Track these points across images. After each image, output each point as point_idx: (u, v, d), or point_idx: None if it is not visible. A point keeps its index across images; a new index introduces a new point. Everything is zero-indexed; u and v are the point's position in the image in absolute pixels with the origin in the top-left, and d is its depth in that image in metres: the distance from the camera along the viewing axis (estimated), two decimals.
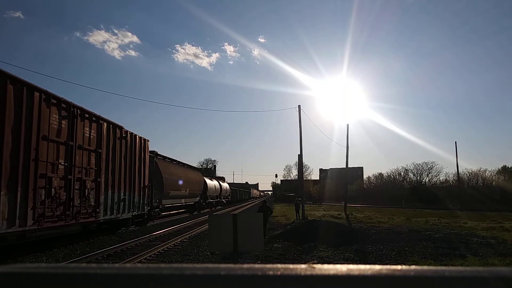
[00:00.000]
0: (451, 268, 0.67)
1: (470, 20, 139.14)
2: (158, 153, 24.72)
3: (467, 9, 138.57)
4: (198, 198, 34.91)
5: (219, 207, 47.81)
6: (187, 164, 33.48)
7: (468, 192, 58.79)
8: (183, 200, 29.62)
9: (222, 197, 49.92)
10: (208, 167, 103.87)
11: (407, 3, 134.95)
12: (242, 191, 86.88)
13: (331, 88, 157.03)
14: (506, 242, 14.48)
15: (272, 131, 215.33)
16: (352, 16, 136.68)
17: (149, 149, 21.69)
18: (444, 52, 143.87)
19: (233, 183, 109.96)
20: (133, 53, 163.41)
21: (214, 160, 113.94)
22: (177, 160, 30.59)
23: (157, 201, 22.73)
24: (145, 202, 19.48)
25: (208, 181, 40.55)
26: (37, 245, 12.76)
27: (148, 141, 20.02)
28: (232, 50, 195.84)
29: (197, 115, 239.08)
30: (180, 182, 27.94)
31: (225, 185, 54.04)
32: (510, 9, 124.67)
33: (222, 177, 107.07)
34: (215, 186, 44.71)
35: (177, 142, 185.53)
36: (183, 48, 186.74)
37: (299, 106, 29.44)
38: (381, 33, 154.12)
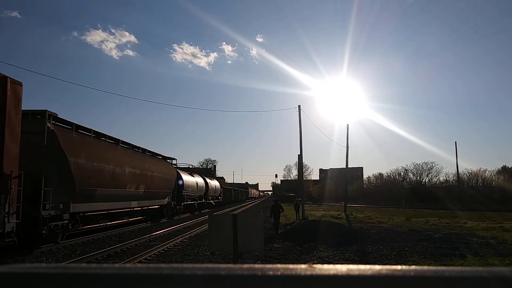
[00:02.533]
0: (451, 268, 0.67)
1: (470, 20, 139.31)
2: (67, 121, 14.26)
3: (467, 9, 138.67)
4: (167, 199, 25.09)
5: (206, 210, 39.80)
6: (142, 149, 21.98)
7: (468, 192, 58.83)
8: (134, 203, 19.27)
9: (209, 198, 41.54)
10: (208, 167, 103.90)
11: (407, 3, 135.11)
12: (237, 190, 78.00)
13: (331, 88, 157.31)
14: (506, 242, 14.48)
15: (272, 131, 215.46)
16: (352, 16, 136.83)
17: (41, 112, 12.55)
18: (444, 52, 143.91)
19: (233, 183, 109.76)
20: (130, 52, 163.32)
21: (214, 160, 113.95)
22: (118, 138, 18.51)
23: (61, 206, 12.92)
24: (8, 211, 9.82)
25: (185, 176, 31.49)
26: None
27: (18, 85, 10.51)
28: (230, 49, 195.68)
29: (197, 115, 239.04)
30: (123, 174, 17.30)
31: (213, 183, 44.78)
32: (510, 9, 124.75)
33: (222, 177, 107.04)
34: (197, 183, 35.07)
35: (177, 142, 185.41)
36: (180, 48, 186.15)
37: (299, 106, 29.47)
38: (381, 33, 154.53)
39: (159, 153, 25.45)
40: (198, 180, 36.32)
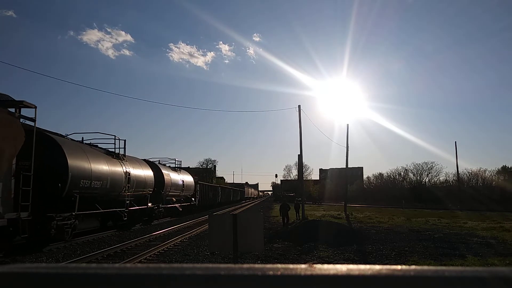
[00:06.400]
0: (451, 268, 0.67)
1: (472, 19, 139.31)
2: None
3: (469, 7, 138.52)
4: None
5: (168, 219, 25.83)
6: None
7: (468, 192, 58.85)
8: None
9: (173, 200, 26.83)
10: (208, 167, 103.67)
11: (408, 2, 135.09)
12: (228, 190, 60.24)
13: (331, 88, 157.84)
14: (506, 242, 14.48)
15: (272, 131, 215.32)
16: (352, 15, 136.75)
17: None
18: (444, 52, 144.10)
19: (233, 183, 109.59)
20: (127, 52, 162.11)
21: (214, 160, 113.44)
22: None
23: None
24: None
25: (74, 158, 13.49)
26: (37, 245, 12.75)
27: None
28: (227, 49, 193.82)
29: (195, 114, 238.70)
30: None
31: (176, 178, 27.43)
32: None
33: (222, 177, 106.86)
34: (126, 174, 17.72)
35: (176, 142, 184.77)
36: (177, 47, 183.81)
37: (299, 106, 29.46)
38: (381, 32, 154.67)
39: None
40: (130, 170, 18.46)
